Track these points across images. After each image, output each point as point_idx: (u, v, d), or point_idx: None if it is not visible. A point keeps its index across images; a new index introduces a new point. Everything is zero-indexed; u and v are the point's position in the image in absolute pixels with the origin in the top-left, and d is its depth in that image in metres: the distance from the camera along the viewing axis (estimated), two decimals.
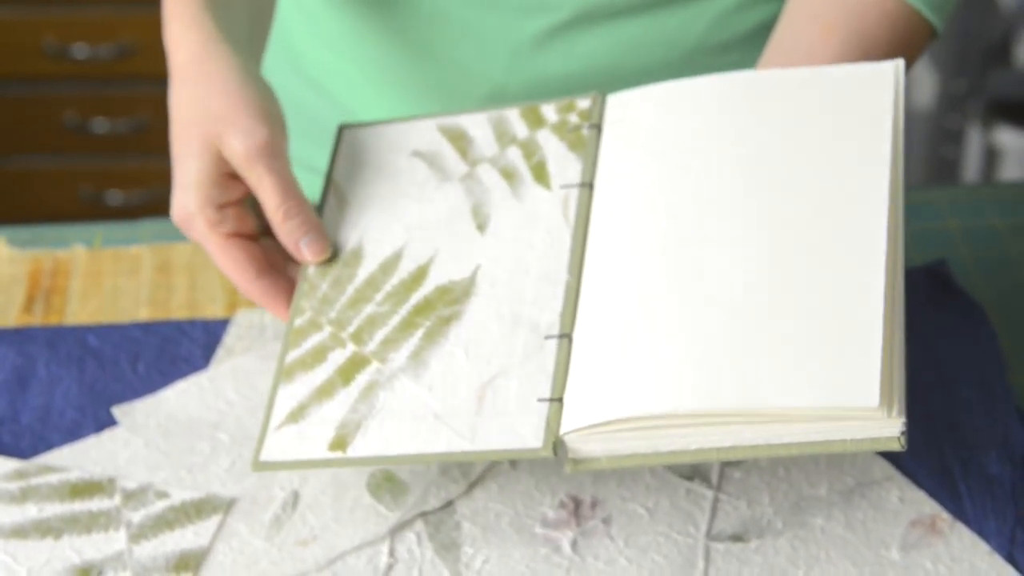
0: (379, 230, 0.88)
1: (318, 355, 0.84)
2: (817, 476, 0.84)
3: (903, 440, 0.72)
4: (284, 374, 0.84)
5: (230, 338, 0.94)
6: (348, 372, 0.82)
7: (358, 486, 0.84)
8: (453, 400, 0.79)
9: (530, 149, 0.89)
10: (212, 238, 0.86)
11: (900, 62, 0.83)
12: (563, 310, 0.81)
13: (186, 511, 0.83)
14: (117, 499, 0.84)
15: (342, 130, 0.93)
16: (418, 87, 1.07)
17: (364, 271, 0.86)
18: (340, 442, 0.80)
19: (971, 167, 2.26)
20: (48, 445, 0.88)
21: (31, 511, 0.83)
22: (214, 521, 0.82)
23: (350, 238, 0.88)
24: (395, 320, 0.83)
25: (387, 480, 0.84)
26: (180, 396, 0.90)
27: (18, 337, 0.95)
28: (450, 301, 0.83)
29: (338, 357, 0.83)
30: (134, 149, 2.23)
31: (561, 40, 1.02)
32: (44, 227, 1.05)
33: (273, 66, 1.10)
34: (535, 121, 0.90)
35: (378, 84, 1.08)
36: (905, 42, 0.92)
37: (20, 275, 1.00)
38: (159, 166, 2.24)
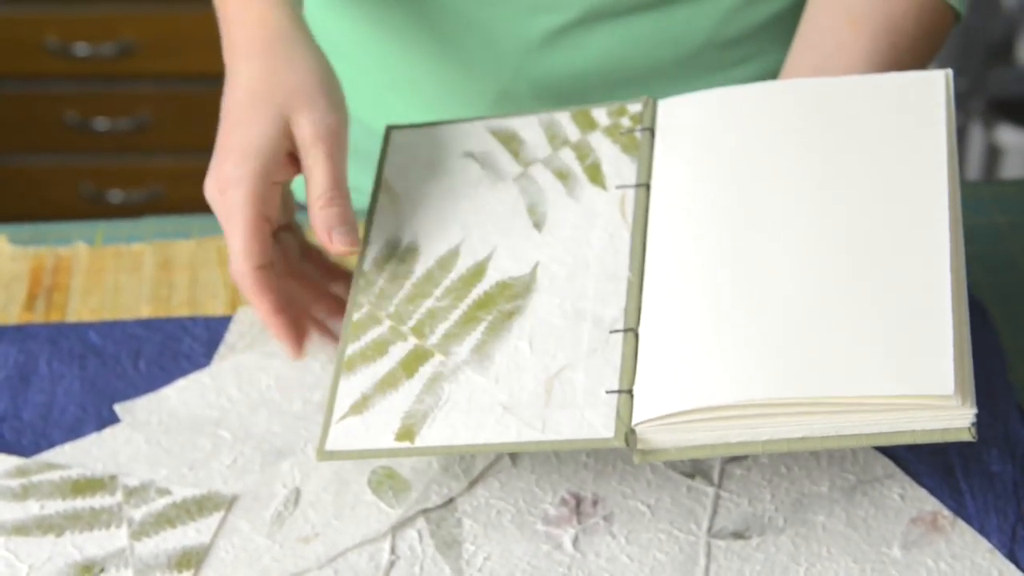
0: (434, 227, 0.89)
1: (379, 348, 0.84)
2: (819, 473, 0.84)
3: (973, 431, 0.73)
4: (345, 366, 0.84)
5: (232, 335, 0.94)
6: (411, 365, 0.83)
7: (360, 483, 0.84)
8: (520, 392, 0.80)
9: (583, 151, 0.90)
10: (246, 212, 0.84)
11: (949, 72, 0.84)
12: (627, 306, 0.82)
13: (187, 508, 0.83)
14: (119, 496, 0.84)
15: (390, 131, 0.94)
16: (425, 89, 1.06)
17: (421, 267, 0.87)
18: (407, 432, 0.80)
19: (973, 165, 2.26)
20: (50, 442, 0.88)
21: (33, 508, 0.83)
22: (215, 518, 0.82)
23: (404, 235, 0.89)
24: (456, 314, 0.84)
25: (389, 477, 0.84)
26: (182, 393, 0.90)
27: (20, 334, 0.95)
28: (511, 296, 0.84)
29: (400, 350, 0.84)
30: (135, 148, 2.23)
31: (570, 39, 1.02)
32: (46, 225, 1.05)
33: None
34: (586, 124, 0.91)
35: (383, 87, 1.08)
36: (931, 30, 0.92)
37: (22, 272, 1.00)
38: (160, 165, 2.24)
